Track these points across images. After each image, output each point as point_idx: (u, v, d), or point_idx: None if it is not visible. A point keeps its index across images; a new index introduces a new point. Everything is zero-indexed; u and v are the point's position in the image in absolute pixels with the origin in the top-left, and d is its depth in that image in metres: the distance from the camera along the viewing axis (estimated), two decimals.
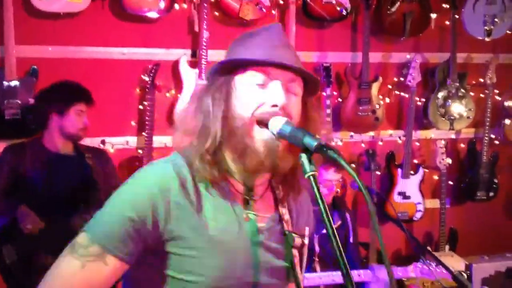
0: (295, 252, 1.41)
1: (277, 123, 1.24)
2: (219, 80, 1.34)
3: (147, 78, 3.73)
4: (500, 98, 4.63)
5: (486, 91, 4.50)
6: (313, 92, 1.40)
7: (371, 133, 4.41)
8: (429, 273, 3.11)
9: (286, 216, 1.43)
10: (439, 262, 2.89)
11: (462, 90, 4.40)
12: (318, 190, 1.15)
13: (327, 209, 1.15)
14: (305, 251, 1.44)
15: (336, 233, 1.12)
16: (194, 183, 1.31)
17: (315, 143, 1.16)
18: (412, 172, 4.39)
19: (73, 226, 2.93)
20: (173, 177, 1.29)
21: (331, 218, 1.14)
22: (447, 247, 4.46)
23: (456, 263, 4.22)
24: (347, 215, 3.66)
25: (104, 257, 1.22)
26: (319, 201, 1.14)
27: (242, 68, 1.32)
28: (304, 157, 1.17)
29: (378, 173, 4.30)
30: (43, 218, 2.90)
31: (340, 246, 1.11)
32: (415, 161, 4.50)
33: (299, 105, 1.35)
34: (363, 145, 4.40)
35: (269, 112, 1.27)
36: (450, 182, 4.60)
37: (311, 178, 1.15)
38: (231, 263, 1.30)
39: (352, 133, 4.32)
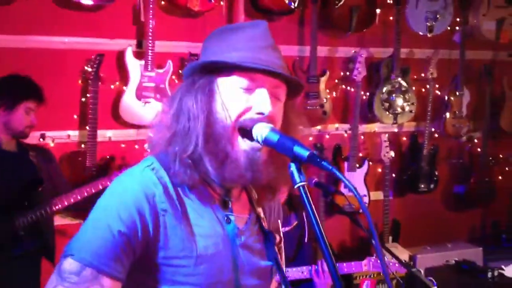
0: (277, 249, 1.39)
1: (262, 130, 1.20)
2: (201, 80, 1.27)
3: (90, 69, 3.55)
4: (440, 93, 4.77)
5: (428, 85, 4.62)
6: (294, 95, 1.36)
7: (318, 127, 4.42)
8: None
9: (262, 215, 1.41)
10: (394, 257, 2.93)
11: (405, 85, 4.49)
12: (309, 200, 1.12)
13: (318, 220, 1.12)
14: (282, 246, 1.43)
15: (327, 242, 1.10)
16: (175, 188, 1.26)
17: (307, 153, 1.12)
18: (357, 165, 4.45)
19: (18, 225, 2.77)
20: (155, 183, 1.23)
21: (322, 228, 1.11)
22: (390, 238, 4.57)
23: (401, 254, 4.34)
24: (304, 214, 3.64)
25: (99, 279, 1.14)
26: (309, 211, 1.11)
27: (227, 71, 1.25)
28: (293, 167, 1.13)
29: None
30: None
31: (332, 255, 1.09)
32: (360, 154, 4.57)
33: (282, 110, 1.31)
34: (310, 138, 4.41)
35: (253, 119, 1.23)
36: (393, 175, 4.70)
37: (301, 189, 1.12)
38: (219, 268, 1.26)
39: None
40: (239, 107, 1.24)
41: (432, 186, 4.72)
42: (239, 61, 1.23)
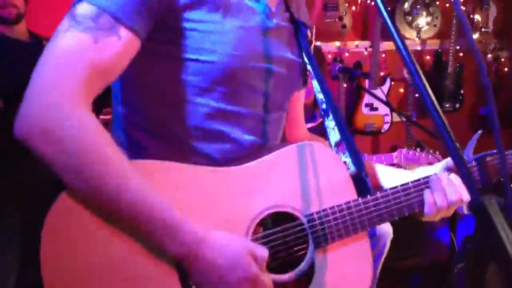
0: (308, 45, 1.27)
1: None
2: None
3: None
4: (464, 8, 4.55)
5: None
6: None
7: (337, 43, 4.25)
8: (415, 158, 2.94)
9: (292, 8, 1.27)
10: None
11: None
12: None
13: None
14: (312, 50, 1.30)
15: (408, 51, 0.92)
16: None
17: None
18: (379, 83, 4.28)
19: None
20: None
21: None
22: None
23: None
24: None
25: (116, 29, 1.01)
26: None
27: None
28: None
29: (345, 85, 4.17)
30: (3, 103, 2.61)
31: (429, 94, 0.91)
32: (381, 73, 4.40)
33: None
34: (329, 56, 4.25)
35: None
36: (416, 95, 4.53)
37: None
38: (249, 41, 1.14)
39: (318, 43, 4.15)
40: None
41: (457, 105, 4.54)
42: None
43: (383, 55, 4.42)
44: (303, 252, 1.16)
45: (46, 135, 0.96)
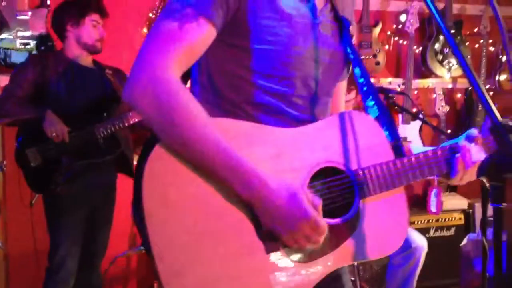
0: (350, 38, 1.49)
1: None
2: None
3: (154, 17, 3.77)
4: (493, 49, 4.77)
5: (481, 41, 4.64)
6: None
7: (371, 80, 4.49)
8: None
9: (337, 7, 1.51)
10: None
11: (459, 37, 4.53)
12: None
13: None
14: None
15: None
16: None
17: None
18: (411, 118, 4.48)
19: (98, 134, 2.97)
20: None
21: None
22: (448, 188, 4.56)
23: (459, 201, 4.34)
24: None
25: (197, 19, 1.28)
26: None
27: None
28: None
29: None
30: (67, 126, 2.92)
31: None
32: (414, 109, 4.60)
33: None
34: None
35: None
36: (449, 131, 4.70)
37: None
38: (300, 34, 1.39)
39: None
40: None
41: None
42: None
43: (416, 92, 4.65)
44: (349, 201, 1.38)
45: (146, 96, 1.23)
